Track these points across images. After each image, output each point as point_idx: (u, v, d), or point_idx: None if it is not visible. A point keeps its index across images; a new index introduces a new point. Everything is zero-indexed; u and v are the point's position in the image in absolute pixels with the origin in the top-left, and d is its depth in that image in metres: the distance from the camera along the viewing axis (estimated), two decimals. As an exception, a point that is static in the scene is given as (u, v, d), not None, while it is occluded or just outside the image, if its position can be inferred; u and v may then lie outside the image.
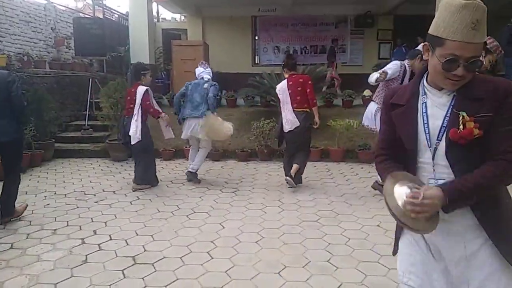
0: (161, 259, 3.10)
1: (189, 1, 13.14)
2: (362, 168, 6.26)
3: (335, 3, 12.69)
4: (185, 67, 9.31)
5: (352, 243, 3.41)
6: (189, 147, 6.80)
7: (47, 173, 6.01)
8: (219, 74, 12.97)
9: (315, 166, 6.49)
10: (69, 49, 8.84)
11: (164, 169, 6.29)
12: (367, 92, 8.91)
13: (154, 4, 15.56)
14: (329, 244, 3.40)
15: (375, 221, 3.94)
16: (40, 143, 6.56)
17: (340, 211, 4.24)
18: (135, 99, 4.92)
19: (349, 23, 13.84)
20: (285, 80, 5.04)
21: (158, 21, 20.85)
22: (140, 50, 8.99)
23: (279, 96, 5.06)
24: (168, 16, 19.74)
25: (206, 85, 5.25)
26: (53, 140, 7.01)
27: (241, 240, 3.47)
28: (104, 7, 10.85)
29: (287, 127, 4.94)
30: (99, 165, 6.53)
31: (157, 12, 19.55)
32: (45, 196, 4.80)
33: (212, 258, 3.14)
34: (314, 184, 5.38)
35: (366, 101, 8.76)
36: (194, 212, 4.21)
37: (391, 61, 11.76)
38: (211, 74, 5.53)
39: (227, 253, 3.20)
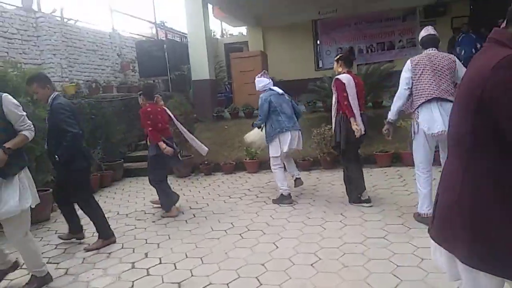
0: (206, 286, 2.88)
1: (248, 13, 13.19)
2: (440, 171, 5.52)
3: (401, -5, 11.84)
4: (244, 79, 9.26)
5: (426, 265, 2.88)
6: (249, 159, 6.67)
7: (115, 193, 6.22)
8: (281, 83, 12.87)
9: (385, 173, 5.91)
10: (135, 72, 9.26)
11: (224, 183, 6.17)
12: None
13: (218, 21, 16.05)
14: (398, 266, 2.92)
15: (455, 236, 3.33)
16: (109, 164, 6.85)
17: (413, 225, 3.69)
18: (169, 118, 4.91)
19: (418, 15, 12.81)
20: (348, 75, 4.28)
21: (222, 36, 21.40)
22: (200, 67, 9.10)
23: (348, 90, 4.17)
24: (236, 31, 20.09)
25: (287, 96, 4.97)
26: (122, 160, 7.29)
27: (295, 263, 3.13)
28: (167, 28, 11.27)
29: (361, 131, 4.24)
30: (163, 183, 6.62)
31: (221, 29, 20.12)
32: (108, 217, 4.90)
33: (261, 284, 2.84)
34: (383, 193, 4.84)
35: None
36: (248, 230, 3.96)
37: (456, 52, 10.66)
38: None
39: (278, 279, 2.88)
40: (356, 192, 4.41)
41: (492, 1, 10.86)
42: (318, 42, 13.88)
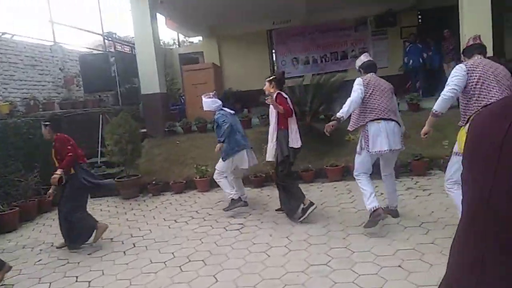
0: (133, 334, 2.64)
1: (201, 24, 13.00)
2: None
3: (352, 5, 12.04)
4: (197, 92, 9.02)
5: (365, 295, 2.80)
6: (199, 178, 6.45)
7: (53, 219, 5.80)
8: (237, 93, 12.75)
9: (335, 188, 5.88)
10: (80, 87, 8.81)
11: (172, 204, 5.91)
12: (391, 98, 8.17)
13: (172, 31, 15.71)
14: (337, 298, 2.81)
15: (396, 260, 3.29)
16: (49, 187, 6.39)
17: (356, 248, 3.62)
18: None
19: (369, 25, 13.12)
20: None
21: (179, 46, 21.03)
22: (149, 80, 8.78)
23: (291, 107, 4.56)
24: (196, 39, 19.75)
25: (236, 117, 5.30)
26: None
27: (232, 299, 2.96)
28: (116, 40, 10.85)
29: (298, 143, 4.51)
30: (108, 206, 6.27)
31: (178, 38, 19.74)
32: (40, 250, 4.53)
33: (193, 328, 2.64)
34: (331, 211, 4.78)
35: (391, 108, 8.06)
36: (189, 261, 3.75)
37: (404, 62, 10.96)
38: None
39: (212, 320, 2.70)
40: (297, 204, 4.45)
41: (438, 13, 11.35)
42: (274, 52, 13.90)
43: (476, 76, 3.39)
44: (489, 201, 0.78)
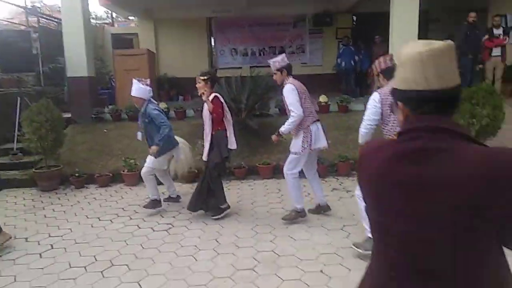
0: None
1: (137, 4, 12.35)
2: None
3: (292, 2, 12.21)
4: (129, 78, 8.56)
5: (287, 302, 2.90)
6: (128, 171, 6.19)
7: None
8: (173, 79, 12.38)
9: (266, 186, 6.00)
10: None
11: (96, 200, 5.62)
12: (323, 98, 8.47)
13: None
14: (261, 306, 2.88)
15: (318, 264, 3.45)
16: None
17: (282, 251, 3.74)
18: None
19: (307, 23, 13.42)
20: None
21: (113, 25, 19.81)
22: (77, 62, 8.17)
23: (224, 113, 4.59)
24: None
25: None
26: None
27: (156, 309, 2.90)
28: (40, 14, 9.90)
29: (234, 145, 4.67)
30: (24, 198, 5.78)
31: (112, 14, 18.54)
32: None
33: None
34: (260, 211, 4.86)
35: (322, 108, 8.35)
36: (112, 266, 3.60)
37: (337, 63, 11.39)
38: None
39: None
40: (217, 203, 4.58)
41: (372, 18, 11.91)
42: (213, 40, 13.69)
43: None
44: (385, 224, 1.00)
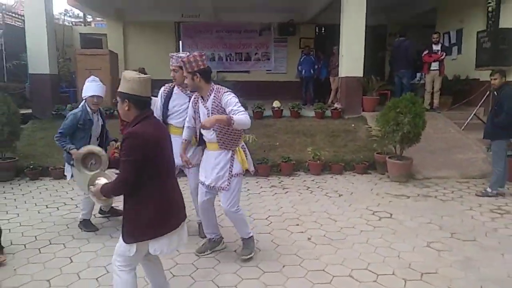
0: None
1: (108, 6, 12.66)
2: (257, 182, 6.25)
3: (258, 10, 12.78)
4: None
5: None
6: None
7: None
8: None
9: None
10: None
11: (48, 190, 5.91)
12: (276, 103, 9.01)
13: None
14: None
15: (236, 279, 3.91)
16: None
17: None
18: None
19: (272, 31, 14.03)
20: None
21: (90, 24, 19.88)
22: (39, 59, 8.47)
23: None
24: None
25: None
26: None
27: None
28: (4, 12, 10.11)
29: None
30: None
31: (84, 15, 18.69)
32: None
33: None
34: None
35: (276, 113, 8.91)
36: (50, 244, 3.95)
37: (298, 70, 11.95)
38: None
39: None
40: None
41: (331, 29, 12.57)
42: (181, 44, 14.09)
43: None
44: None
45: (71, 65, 12.10)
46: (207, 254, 3.70)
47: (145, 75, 2.47)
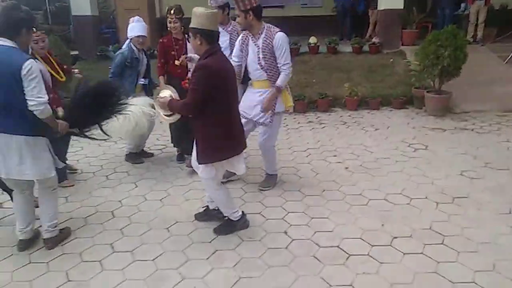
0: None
1: None
2: (295, 118, 6.50)
3: None
4: (129, 17, 9.09)
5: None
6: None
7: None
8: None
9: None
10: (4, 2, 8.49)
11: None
12: (313, 39, 8.95)
13: None
14: None
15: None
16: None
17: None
18: None
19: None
20: None
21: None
22: (81, 0, 8.70)
23: None
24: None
25: None
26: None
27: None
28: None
29: None
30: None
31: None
32: None
33: (113, 218, 3.47)
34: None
35: (312, 49, 8.88)
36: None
37: (334, 3, 11.47)
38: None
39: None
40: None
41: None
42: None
43: None
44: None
45: (108, 6, 12.27)
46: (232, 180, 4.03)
47: (213, 10, 2.76)
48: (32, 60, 2.61)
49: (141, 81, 4.56)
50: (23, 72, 2.52)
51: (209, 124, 2.75)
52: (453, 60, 5.88)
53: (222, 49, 4.06)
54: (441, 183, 3.88)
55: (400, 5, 8.52)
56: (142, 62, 4.50)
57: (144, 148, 4.98)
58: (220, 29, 4.03)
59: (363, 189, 3.82)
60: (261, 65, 3.46)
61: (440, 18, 9.09)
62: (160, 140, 5.57)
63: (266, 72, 3.50)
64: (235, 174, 3.99)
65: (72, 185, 4.10)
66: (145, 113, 3.91)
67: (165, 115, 3.08)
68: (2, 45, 2.58)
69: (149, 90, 4.64)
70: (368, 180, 4.03)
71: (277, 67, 3.48)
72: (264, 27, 3.47)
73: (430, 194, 3.66)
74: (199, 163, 2.86)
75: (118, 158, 4.90)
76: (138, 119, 4.00)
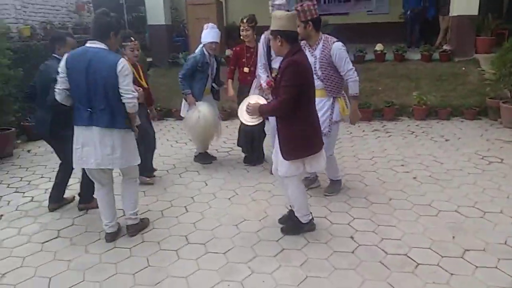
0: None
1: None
2: (359, 126, 6.45)
3: None
4: (199, 26, 9.56)
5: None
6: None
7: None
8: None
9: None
10: (90, 14, 9.36)
11: (174, 129, 6.86)
12: (379, 47, 8.81)
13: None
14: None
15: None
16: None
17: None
18: None
19: (374, -32, 13.18)
20: None
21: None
22: (156, 11, 9.34)
23: None
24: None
25: None
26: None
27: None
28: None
29: None
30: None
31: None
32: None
33: (187, 212, 3.72)
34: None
35: (379, 57, 8.74)
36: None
37: (402, 9, 11.15)
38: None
39: (201, 209, 3.77)
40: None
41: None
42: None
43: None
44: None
45: (179, 15, 12.99)
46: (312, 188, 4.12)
47: (292, 11, 2.94)
48: (124, 59, 2.93)
49: (211, 84, 4.77)
50: (118, 68, 2.83)
51: (295, 122, 2.87)
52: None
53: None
54: (519, 198, 3.69)
55: (475, 11, 8.13)
56: (212, 67, 4.69)
57: (208, 151, 5.19)
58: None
59: (432, 200, 3.73)
60: (318, 75, 3.51)
61: (518, 25, 8.52)
62: (227, 143, 5.83)
63: (323, 81, 3.57)
64: (314, 183, 4.17)
65: (151, 183, 4.41)
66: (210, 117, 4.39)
67: (249, 119, 3.20)
68: (97, 47, 2.91)
69: (217, 93, 4.91)
70: (438, 191, 3.93)
71: (334, 76, 3.55)
72: (321, 38, 3.55)
73: (506, 209, 3.49)
74: (286, 159, 2.93)
75: (189, 159, 5.20)
76: (206, 122, 4.35)
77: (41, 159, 5.44)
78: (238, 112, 3.33)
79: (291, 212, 3.31)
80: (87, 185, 3.65)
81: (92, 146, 2.97)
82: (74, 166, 3.16)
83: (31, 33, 7.15)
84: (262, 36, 4.20)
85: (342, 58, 3.48)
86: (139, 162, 3.23)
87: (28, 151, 5.87)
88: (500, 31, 8.72)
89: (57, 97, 3.02)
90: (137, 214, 3.36)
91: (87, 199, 3.83)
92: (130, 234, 3.31)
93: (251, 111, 3.07)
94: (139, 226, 3.37)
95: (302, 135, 2.89)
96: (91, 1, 9.14)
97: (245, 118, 3.20)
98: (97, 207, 3.43)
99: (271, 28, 2.85)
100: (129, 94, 2.89)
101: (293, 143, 2.90)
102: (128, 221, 3.33)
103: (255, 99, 3.25)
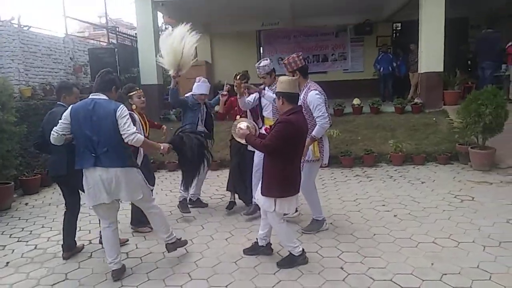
0: None
1: (196, 21, 14.09)
2: (342, 172, 6.91)
3: (335, 14, 13.34)
4: (189, 86, 10.22)
5: (303, 239, 4.15)
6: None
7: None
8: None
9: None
10: (86, 75, 9.94)
11: (167, 179, 7.17)
12: (356, 101, 9.55)
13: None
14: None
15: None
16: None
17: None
18: None
19: (348, 32, 14.50)
20: None
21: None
22: (149, 72, 10.02)
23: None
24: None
25: None
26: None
27: (214, 239, 4.30)
28: (119, 33, 11.96)
29: None
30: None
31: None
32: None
33: None
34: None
35: (356, 110, 9.46)
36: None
37: (375, 68, 12.25)
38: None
39: None
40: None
41: (409, 26, 12.71)
42: (261, 50, 15.17)
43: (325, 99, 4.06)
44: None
45: (169, 75, 13.75)
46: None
47: (294, 77, 3.62)
48: (123, 105, 3.38)
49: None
50: (118, 113, 3.27)
51: (276, 165, 3.30)
52: (495, 117, 6.18)
53: (269, 104, 4.76)
54: (488, 230, 4.09)
55: (440, 68, 9.04)
56: (203, 111, 5.22)
57: (200, 197, 5.53)
58: (268, 90, 4.58)
59: (412, 234, 4.10)
60: None
61: (482, 79, 9.48)
62: (219, 190, 6.17)
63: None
64: (255, 213, 4.66)
65: (150, 231, 4.61)
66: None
67: (238, 139, 3.80)
68: (101, 98, 3.39)
69: (209, 137, 5.11)
70: (416, 226, 4.31)
71: (310, 119, 3.92)
72: (307, 84, 4.04)
73: (477, 239, 3.88)
74: (262, 194, 3.38)
75: (185, 206, 5.48)
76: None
77: (39, 211, 5.63)
78: (232, 128, 3.96)
79: (255, 244, 3.80)
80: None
81: (100, 184, 3.33)
82: (88, 205, 3.47)
83: (31, 93, 7.58)
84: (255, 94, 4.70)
85: (314, 105, 3.91)
86: (141, 197, 3.53)
87: (26, 204, 6.05)
88: (467, 85, 9.67)
89: (52, 139, 3.38)
90: (170, 237, 3.75)
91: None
92: (169, 251, 3.79)
93: (238, 135, 3.64)
94: (176, 244, 3.81)
95: (282, 175, 3.29)
96: (89, 65, 9.76)
97: (236, 135, 3.77)
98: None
99: (276, 90, 3.46)
100: (127, 132, 3.25)
101: (271, 183, 3.32)
102: (166, 243, 3.78)
103: (246, 124, 3.82)
